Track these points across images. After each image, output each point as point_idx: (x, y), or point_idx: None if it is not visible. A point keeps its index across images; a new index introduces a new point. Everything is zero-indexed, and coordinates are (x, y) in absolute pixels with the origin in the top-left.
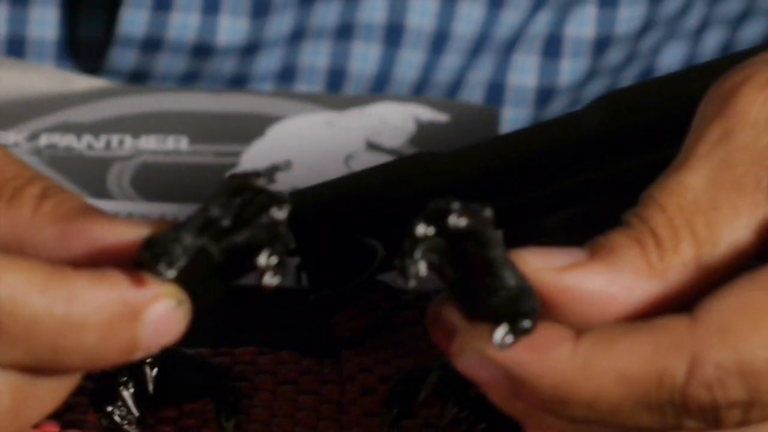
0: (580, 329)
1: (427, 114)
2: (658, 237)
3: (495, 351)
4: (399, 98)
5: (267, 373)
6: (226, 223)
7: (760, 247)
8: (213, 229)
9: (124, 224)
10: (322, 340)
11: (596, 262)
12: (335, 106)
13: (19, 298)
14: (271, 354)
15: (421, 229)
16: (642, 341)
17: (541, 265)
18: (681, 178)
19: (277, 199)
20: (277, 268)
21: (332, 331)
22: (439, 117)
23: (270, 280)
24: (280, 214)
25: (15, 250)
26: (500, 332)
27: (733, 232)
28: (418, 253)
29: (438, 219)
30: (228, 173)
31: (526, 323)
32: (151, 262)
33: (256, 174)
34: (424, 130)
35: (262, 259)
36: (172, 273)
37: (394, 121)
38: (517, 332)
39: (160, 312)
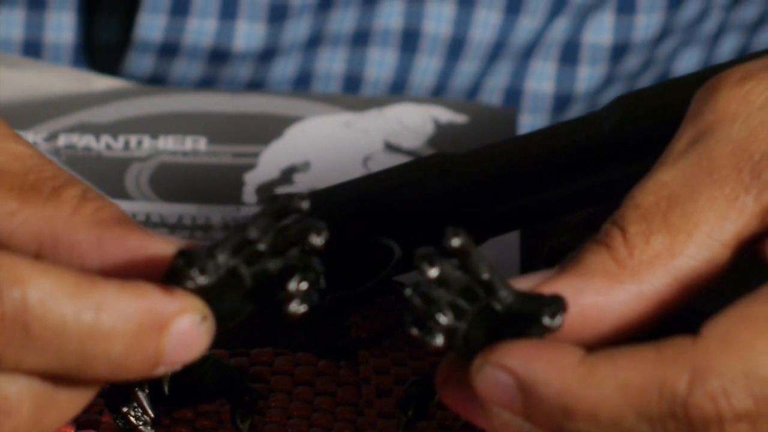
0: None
1: (446, 115)
2: (627, 234)
3: (511, 360)
4: (417, 99)
5: (283, 374)
6: (262, 246)
7: (743, 240)
8: (248, 250)
9: (160, 239)
10: (339, 341)
11: (563, 275)
12: (354, 107)
13: (48, 303)
14: (288, 355)
15: (427, 274)
16: (645, 354)
17: None
18: (658, 176)
19: (316, 226)
20: (306, 296)
21: (349, 332)
22: (458, 118)
23: (296, 307)
24: (317, 241)
25: (49, 248)
26: (547, 315)
27: (710, 221)
28: (434, 305)
29: (436, 257)
30: (272, 193)
31: (561, 301)
32: (184, 267)
33: (301, 196)
34: (442, 132)
35: (292, 285)
36: (203, 279)
37: (412, 123)
38: (561, 310)
39: (186, 325)
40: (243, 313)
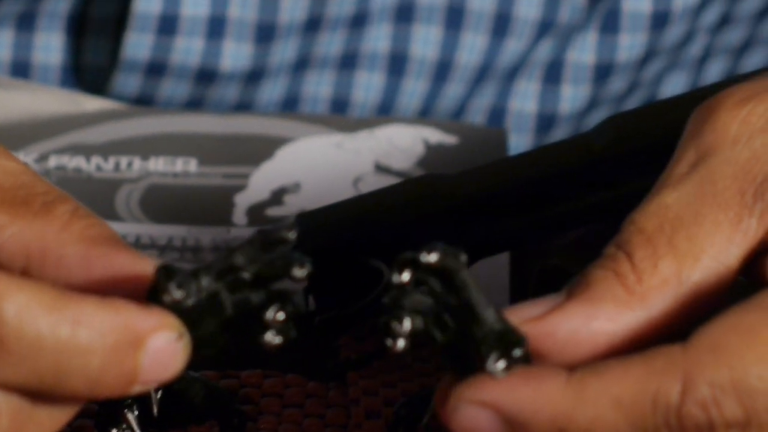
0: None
1: (436, 136)
2: (634, 259)
3: (489, 394)
4: (407, 120)
5: (272, 396)
6: (246, 275)
7: (746, 261)
8: (232, 277)
9: (147, 260)
10: (328, 362)
11: (573, 301)
12: (344, 128)
13: (25, 317)
14: (277, 377)
15: (397, 278)
16: (634, 366)
17: (517, 320)
18: (661, 199)
19: (299, 259)
20: (282, 328)
21: (338, 353)
22: (448, 139)
23: (272, 338)
24: (300, 273)
25: (37, 262)
26: (492, 359)
27: (716, 246)
28: (400, 310)
29: (410, 264)
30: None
31: (517, 351)
32: (163, 281)
33: (288, 227)
34: (432, 152)
35: (269, 314)
36: (180, 294)
37: (402, 143)
38: (510, 359)
39: (162, 342)
40: (220, 341)
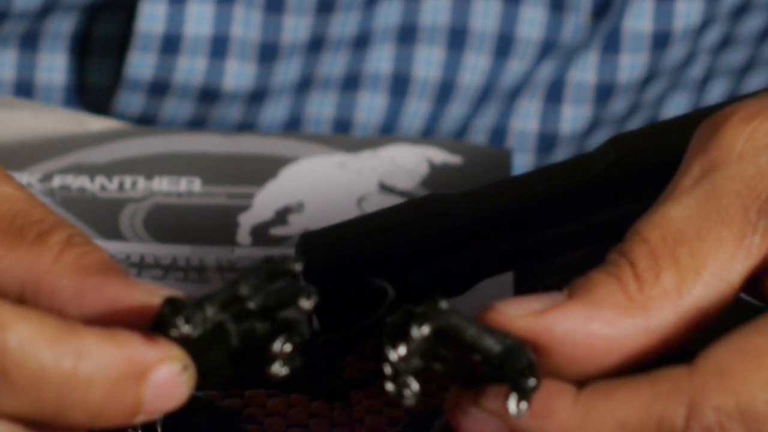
0: (581, 384)
1: (440, 156)
2: (637, 269)
3: (499, 404)
4: (412, 140)
5: (277, 416)
6: (252, 305)
7: (748, 279)
8: (238, 307)
9: (143, 288)
10: (332, 382)
11: (574, 302)
12: (348, 148)
13: (27, 348)
14: (281, 396)
15: (394, 355)
16: (640, 388)
17: (518, 313)
18: (665, 211)
19: (306, 290)
20: (289, 359)
21: (342, 373)
22: (452, 159)
23: (278, 368)
24: (307, 304)
25: (31, 294)
26: (512, 402)
27: (719, 262)
28: (403, 376)
29: (403, 333)
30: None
31: (531, 381)
32: (170, 315)
33: (294, 258)
34: (436, 173)
35: (277, 346)
36: (188, 328)
37: (406, 163)
38: (526, 394)
39: (166, 374)
40: (225, 371)
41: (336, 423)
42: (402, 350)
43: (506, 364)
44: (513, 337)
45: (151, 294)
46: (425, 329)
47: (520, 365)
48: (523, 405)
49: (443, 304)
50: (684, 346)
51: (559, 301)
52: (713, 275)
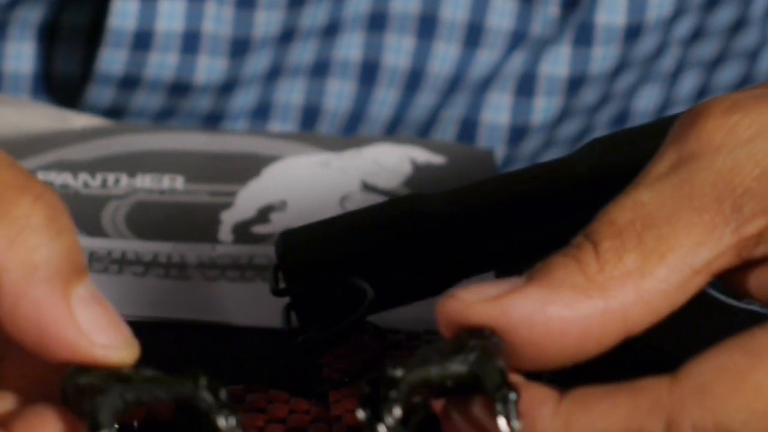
0: (563, 390)
1: (424, 156)
2: (600, 249)
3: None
4: (395, 140)
5: (256, 411)
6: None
7: (715, 271)
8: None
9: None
10: (311, 381)
11: (531, 284)
12: (331, 147)
13: None
14: (260, 392)
15: (382, 429)
16: (621, 402)
17: (475, 298)
18: (637, 195)
19: (228, 408)
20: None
21: (320, 372)
22: (436, 159)
23: None
24: (227, 425)
25: None
26: (502, 423)
27: (686, 247)
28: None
29: (378, 406)
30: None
31: (512, 396)
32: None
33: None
34: (420, 172)
35: (222, 422)
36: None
37: (390, 163)
38: (510, 410)
39: None
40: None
41: (315, 419)
42: (391, 421)
43: (479, 380)
44: (472, 345)
45: (81, 336)
46: (396, 411)
47: (493, 381)
48: (515, 424)
49: (397, 372)
50: (652, 334)
51: (517, 285)
52: (679, 259)
